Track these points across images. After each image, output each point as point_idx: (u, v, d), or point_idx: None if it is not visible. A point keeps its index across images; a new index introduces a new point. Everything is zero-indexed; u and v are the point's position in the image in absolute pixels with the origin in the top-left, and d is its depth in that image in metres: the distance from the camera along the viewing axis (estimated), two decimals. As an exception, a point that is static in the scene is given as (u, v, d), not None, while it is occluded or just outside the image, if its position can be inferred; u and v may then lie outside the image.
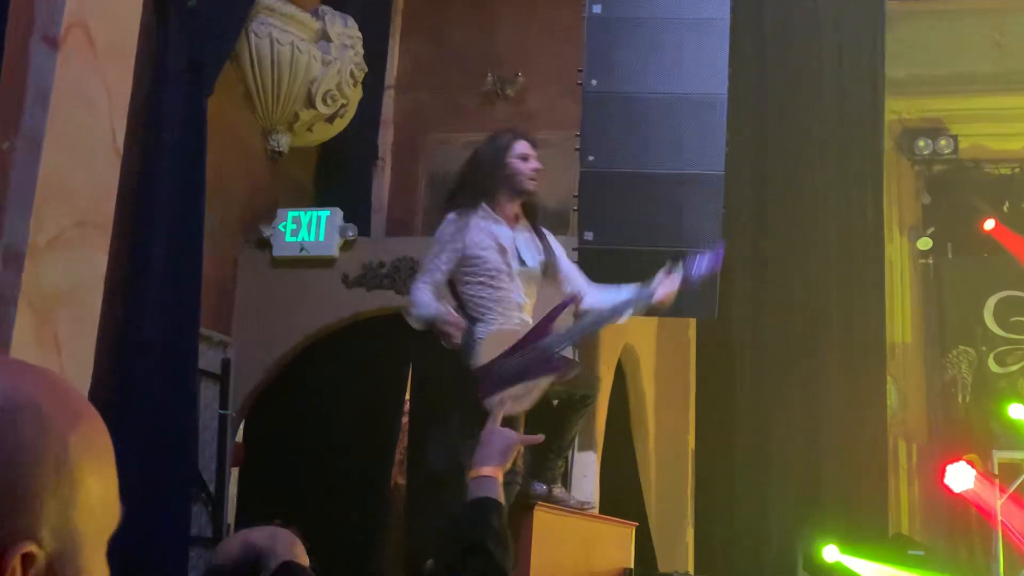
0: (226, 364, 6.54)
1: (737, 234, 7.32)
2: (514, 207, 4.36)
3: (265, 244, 6.90)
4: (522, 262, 4.29)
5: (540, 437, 2.64)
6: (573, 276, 4.45)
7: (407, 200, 7.96)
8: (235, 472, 6.79)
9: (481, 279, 4.24)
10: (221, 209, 6.42)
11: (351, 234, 6.86)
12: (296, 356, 6.84)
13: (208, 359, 6.36)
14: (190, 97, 5.72)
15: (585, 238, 5.72)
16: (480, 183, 4.34)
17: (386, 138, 8.00)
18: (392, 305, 6.39)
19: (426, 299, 4.22)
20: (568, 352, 4.25)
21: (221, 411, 6.46)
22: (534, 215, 4.50)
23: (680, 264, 4.14)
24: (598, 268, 5.10)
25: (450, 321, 4.11)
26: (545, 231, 4.47)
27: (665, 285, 4.11)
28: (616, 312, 4.17)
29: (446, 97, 8.00)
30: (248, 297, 6.83)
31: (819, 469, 8.07)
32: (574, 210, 5.81)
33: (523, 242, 4.34)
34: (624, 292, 4.21)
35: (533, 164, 4.36)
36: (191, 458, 5.77)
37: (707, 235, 5.52)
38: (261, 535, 1.87)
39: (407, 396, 6.87)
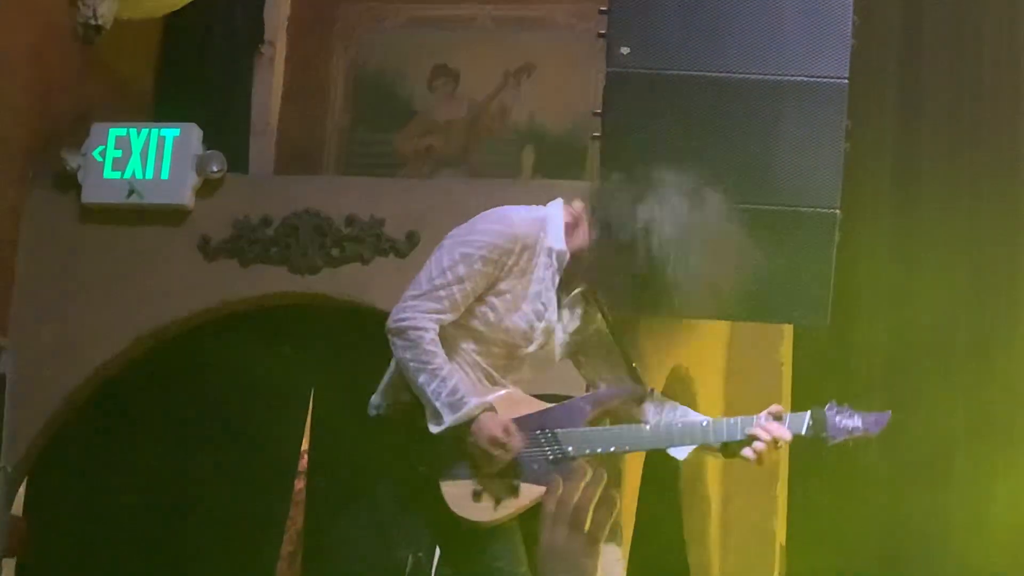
0: (-3, 383, 6.11)
1: (870, 186, 6.53)
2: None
3: (69, 182, 6.22)
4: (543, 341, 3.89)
5: None
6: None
7: (312, 113, 7.47)
8: (10, 565, 6.24)
9: (496, 343, 3.75)
10: (-6, 123, 6.18)
11: (216, 169, 6.14)
12: (118, 374, 6.17)
13: (-35, 375, 6.08)
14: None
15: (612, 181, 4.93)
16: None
17: (278, 8, 7.35)
18: (285, 290, 6.03)
19: (439, 360, 3.64)
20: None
21: (-12, 463, 6.13)
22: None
23: (807, 416, 3.55)
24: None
25: (499, 438, 3.51)
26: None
27: (770, 429, 3.52)
28: (685, 435, 3.68)
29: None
30: (37, 272, 6.27)
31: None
32: (593, 137, 5.28)
33: (567, 317, 3.96)
34: (693, 416, 3.83)
35: None
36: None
37: (819, 191, 4.87)
38: None
39: (304, 446, 6.31)
